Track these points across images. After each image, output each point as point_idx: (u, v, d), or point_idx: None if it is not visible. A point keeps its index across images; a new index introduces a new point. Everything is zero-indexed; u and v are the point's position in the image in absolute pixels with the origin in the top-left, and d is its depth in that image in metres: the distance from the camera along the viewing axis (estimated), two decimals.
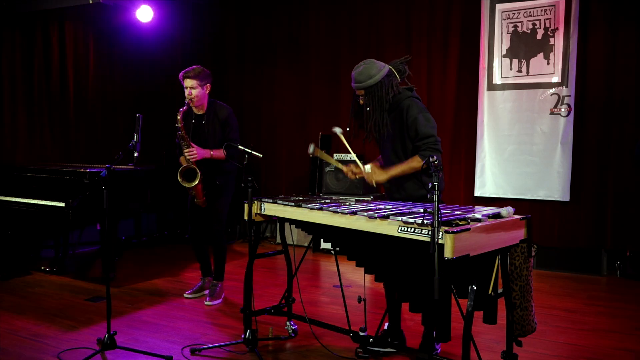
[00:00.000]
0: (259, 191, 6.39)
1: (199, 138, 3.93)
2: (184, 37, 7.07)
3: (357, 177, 3.07)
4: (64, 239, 5.11)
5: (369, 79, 2.88)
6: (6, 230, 4.94)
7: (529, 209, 5.27)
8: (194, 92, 3.85)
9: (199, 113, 3.99)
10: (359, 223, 2.45)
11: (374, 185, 2.99)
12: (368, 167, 2.96)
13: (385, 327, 3.14)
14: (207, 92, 3.95)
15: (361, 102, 2.97)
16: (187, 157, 3.82)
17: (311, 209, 2.73)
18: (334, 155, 5.97)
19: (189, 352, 3.02)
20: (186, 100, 3.86)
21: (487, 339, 3.27)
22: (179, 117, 3.78)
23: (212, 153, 3.88)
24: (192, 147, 3.82)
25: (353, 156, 3.15)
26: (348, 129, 3.08)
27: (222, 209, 4.03)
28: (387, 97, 2.90)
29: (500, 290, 2.44)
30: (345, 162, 5.71)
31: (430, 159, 2.15)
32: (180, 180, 3.83)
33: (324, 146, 5.94)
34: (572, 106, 5.15)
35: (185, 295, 4.15)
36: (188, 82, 3.85)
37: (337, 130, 3.08)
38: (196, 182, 3.81)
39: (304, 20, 6.56)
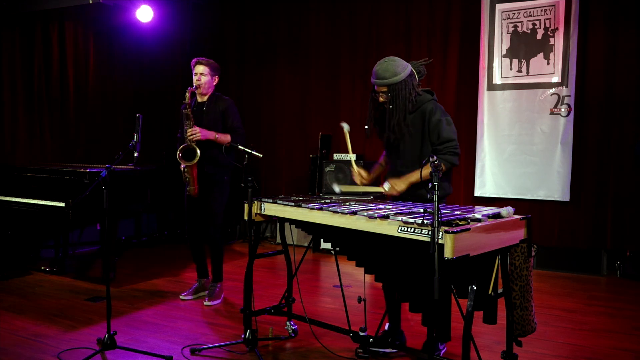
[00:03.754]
0: (259, 191, 6.39)
1: (197, 125, 3.91)
2: (184, 37, 7.06)
3: (363, 182, 3.08)
4: (64, 239, 5.11)
5: (394, 75, 2.80)
6: (6, 230, 4.95)
7: (529, 209, 5.27)
8: (203, 78, 3.93)
9: (201, 100, 4.01)
10: (359, 223, 2.44)
11: (398, 194, 2.88)
12: (386, 184, 2.86)
13: (386, 327, 3.14)
14: (215, 83, 4.04)
15: (381, 99, 2.89)
16: (188, 137, 3.81)
17: (311, 209, 2.72)
18: (334, 155, 5.98)
19: (189, 352, 3.02)
20: (194, 85, 3.91)
21: (487, 339, 3.27)
22: (187, 95, 3.82)
23: (217, 136, 3.88)
24: (195, 127, 3.82)
25: (352, 157, 3.14)
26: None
27: (217, 211, 3.99)
28: (411, 97, 2.83)
29: (500, 290, 2.44)
30: (346, 162, 5.78)
31: (431, 159, 2.15)
32: (178, 157, 3.82)
33: (324, 146, 5.94)
34: (572, 106, 5.15)
35: (181, 297, 4.11)
36: (199, 68, 3.93)
37: (345, 127, 3.07)
38: (195, 160, 3.79)
39: (304, 20, 6.56)
